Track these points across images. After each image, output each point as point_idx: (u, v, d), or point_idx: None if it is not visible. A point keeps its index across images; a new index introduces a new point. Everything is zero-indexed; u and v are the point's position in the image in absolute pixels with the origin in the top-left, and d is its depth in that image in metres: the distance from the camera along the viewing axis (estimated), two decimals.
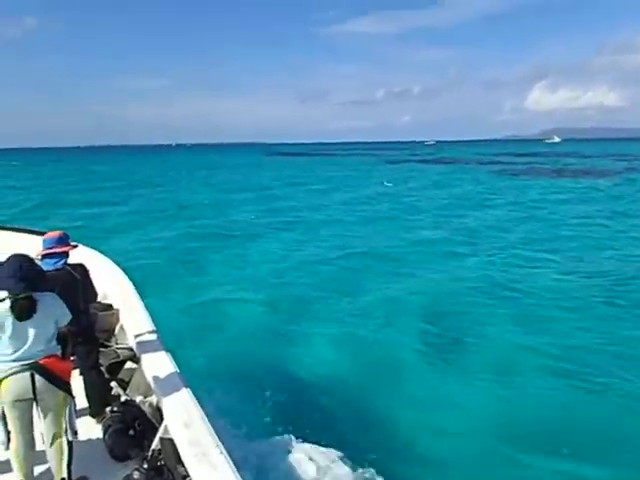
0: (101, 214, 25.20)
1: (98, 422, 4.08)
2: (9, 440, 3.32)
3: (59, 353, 3.37)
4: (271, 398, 6.41)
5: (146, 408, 4.12)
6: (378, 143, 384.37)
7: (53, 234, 4.13)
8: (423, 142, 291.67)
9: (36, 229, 7.18)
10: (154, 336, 4.72)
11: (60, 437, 3.34)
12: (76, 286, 4.06)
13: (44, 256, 4.01)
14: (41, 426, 3.36)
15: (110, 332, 5.22)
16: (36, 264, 3.39)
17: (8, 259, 3.28)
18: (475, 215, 24.47)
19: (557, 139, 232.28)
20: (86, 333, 4.23)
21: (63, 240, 4.11)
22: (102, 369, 4.54)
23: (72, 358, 3.92)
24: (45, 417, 3.32)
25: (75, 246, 4.27)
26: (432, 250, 16.40)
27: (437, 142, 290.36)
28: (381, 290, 11.98)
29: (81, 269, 4.18)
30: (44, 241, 4.10)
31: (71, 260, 4.16)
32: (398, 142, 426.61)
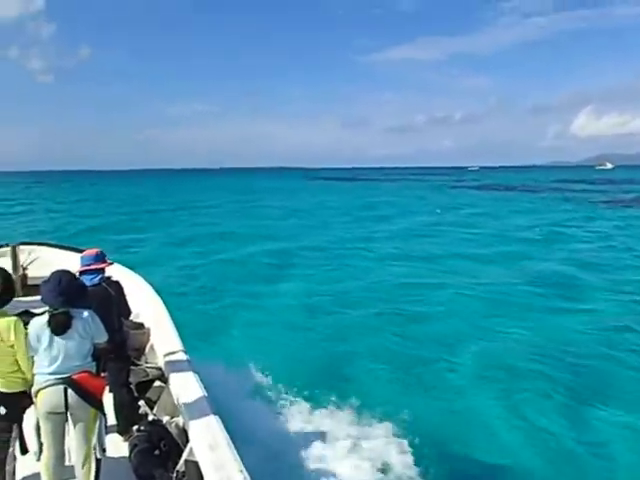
0: (145, 238, 24.79)
1: (125, 440, 4.12)
2: (41, 451, 3.42)
3: (93, 370, 3.44)
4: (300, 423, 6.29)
5: (172, 429, 4.12)
6: (419, 168, 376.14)
7: (90, 251, 4.28)
8: (466, 168, 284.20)
9: (76, 247, 7.43)
10: (183, 356, 4.76)
11: (89, 453, 3.38)
12: (111, 302, 4.17)
13: (82, 272, 4.14)
14: (71, 440, 3.41)
15: (140, 351, 5.28)
16: (77, 280, 3.51)
17: (51, 274, 3.42)
18: (553, 253, 20.44)
19: (610, 165, 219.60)
20: (119, 350, 4.30)
21: (100, 257, 4.26)
22: (132, 387, 4.60)
23: (103, 375, 4.00)
24: (75, 432, 3.37)
25: (111, 263, 4.41)
26: (524, 302, 13.16)
27: (481, 168, 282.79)
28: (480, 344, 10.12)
29: (116, 286, 4.30)
30: (82, 258, 4.25)
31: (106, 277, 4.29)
32: (439, 167, 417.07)
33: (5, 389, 3.40)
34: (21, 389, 3.45)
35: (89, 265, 4.20)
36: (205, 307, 12.55)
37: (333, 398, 6.91)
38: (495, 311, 12.25)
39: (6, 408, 3.42)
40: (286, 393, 6.96)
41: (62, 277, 3.36)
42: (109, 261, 4.37)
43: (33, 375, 3.42)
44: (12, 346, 3.34)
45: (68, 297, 3.30)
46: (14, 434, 3.46)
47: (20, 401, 3.46)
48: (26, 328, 3.89)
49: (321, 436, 5.89)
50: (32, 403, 3.46)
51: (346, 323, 11.39)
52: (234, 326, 10.98)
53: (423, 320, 11.63)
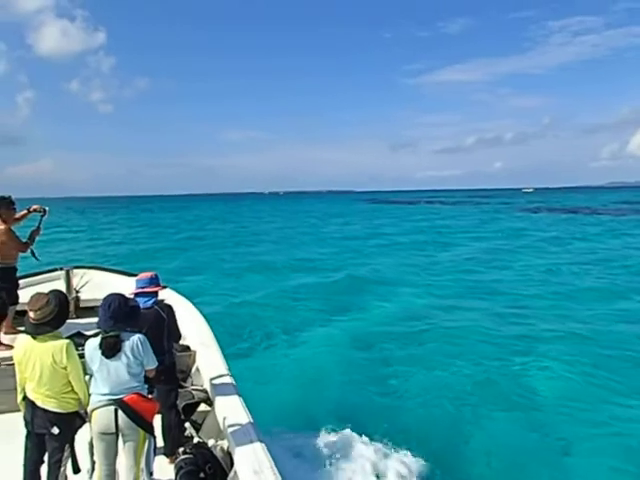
0: (195, 265, 23.65)
1: (171, 462, 4.13)
2: (93, 470, 3.49)
3: (145, 392, 3.50)
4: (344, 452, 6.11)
5: (217, 452, 4.12)
6: (470, 190, 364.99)
7: (145, 275, 4.38)
8: (520, 189, 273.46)
9: (127, 271, 7.66)
10: (228, 380, 4.78)
11: (138, 475, 3.43)
12: (162, 325, 4.26)
13: (136, 295, 4.25)
14: (121, 461, 3.47)
15: (186, 373, 5.34)
16: (129, 303, 3.58)
17: (104, 298, 3.53)
18: None
19: None
20: (168, 372, 4.36)
21: (154, 281, 4.36)
22: (178, 409, 4.63)
23: (150, 396, 4.05)
24: (125, 453, 3.43)
25: (164, 287, 4.51)
26: None
27: (536, 189, 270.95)
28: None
29: (168, 309, 4.38)
30: (137, 281, 4.37)
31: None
32: (491, 189, 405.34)
33: (59, 409, 3.47)
34: (74, 410, 3.51)
35: (143, 288, 4.30)
36: (254, 338, 11.98)
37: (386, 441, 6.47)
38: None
39: (59, 428, 3.48)
40: (335, 427, 6.65)
41: (113, 301, 3.45)
42: (163, 285, 4.46)
43: (88, 395, 3.52)
44: (65, 368, 3.41)
45: (117, 320, 3.39)
46: (66, 454, 3.52)
47: (73, 422, 3.53)
48: (78, 349, 4.01)
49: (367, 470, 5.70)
50: (84, 423, 3.54)
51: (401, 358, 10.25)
52: (278, 357, 10.56)
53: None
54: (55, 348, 3.41)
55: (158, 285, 4.38)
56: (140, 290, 4.28)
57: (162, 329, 4.24)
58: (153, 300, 4.32)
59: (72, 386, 3.47)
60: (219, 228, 48.61)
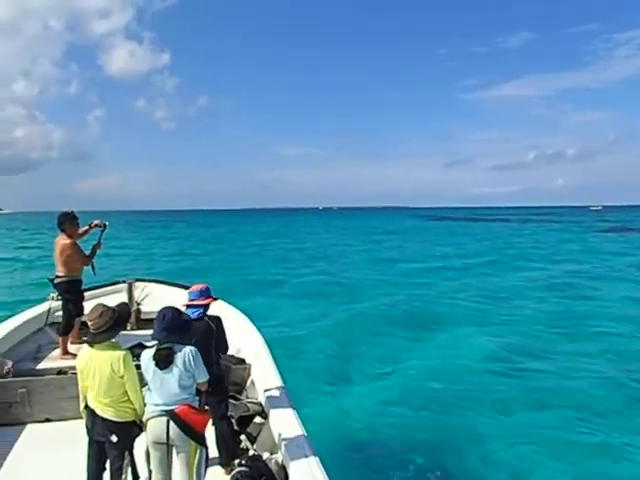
0: (256, 280, 23.16)
1: (226, 473, 4.15)
2: (150, 478, 3.56)
3: (196, 404, 3.54)
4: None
5: (272, 465, 4.09)
6: (529, 208, 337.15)
7: (196, 287, 4.43)
8: (587, 207, 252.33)
9: (185, 284, 7.83)
10: (282, 393, 4.78)
11: None
12: (211, 336, 4.30)
13: (187, 307, 4.32)
14: (175, 471, 3.53)
15: (241, 385, 5.38)
16: (183, 316, 3.66)
17: (160, 310, 3.63)
18: None
19: None
20: (216, 383, 4.41)
21: (204, 293, 4.40)
22: (232, 421, 4.66)
23: (206, 408, 4.10)
24: (178, 463, 3.48)
25: (216, 299, 4.54)
26: None
27: (604, 207, 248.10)
28: None
29: (217, 321, 4.41)
30: (189, 293, 4.44)
31: (210, 313, 4.45)
32: (554, 207, 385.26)
33: (117, 418, 3.56)
34: (131, 419, 3.60)
35: (194, 300, 4.36)
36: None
37: None
38: None
39: (117, 437, 3.57)
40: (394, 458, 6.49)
41: (167, 313, 3.53)
42: (214, 297, 4.50)
43: (144, 405, 3.61)
44: (122, 377, 3.51)
45: (170, 332, 3.47)
46: (126, 461, 3.60)
47: (130, 431, 3.61)
48: (138, 360, 4.13)
49: None
50: (141, 432, 3.62)
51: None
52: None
53: None
54: (113, 358, 3.51)
55: (209, 297, 4.42)
56: (191, 302, 4.34)
57: (210, 340, 4.26)
58: (201, 311, 4.35)
59: (129, 396, 3.56)
60: (276, 245, 46.85)
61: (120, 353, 3.55)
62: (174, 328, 3.49)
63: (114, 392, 3.53)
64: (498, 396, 8.92)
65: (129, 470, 3.65)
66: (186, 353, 3.46)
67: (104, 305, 3.67)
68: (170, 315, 3.52)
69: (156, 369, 3.42)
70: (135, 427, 3.62)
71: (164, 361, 3.40)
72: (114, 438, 3.58)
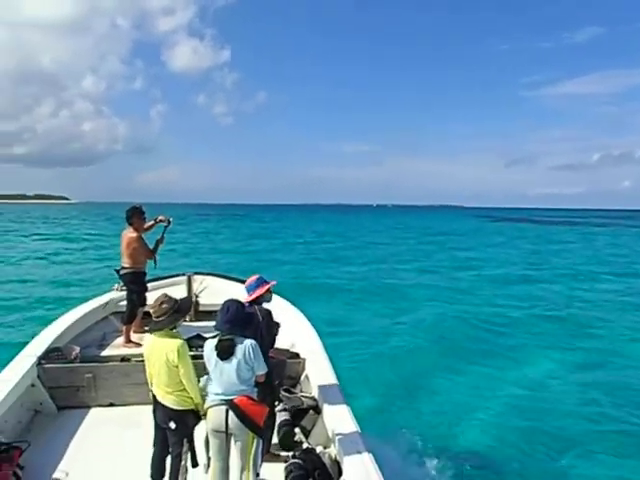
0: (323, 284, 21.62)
1: (272, 460, 4.21)
2: (209, 465, 3.68)
3: (254, 396, 3.63)
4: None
5: (326, 459, 4.14)
6: (595, 211, 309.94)
7: (251, 279, 4.42)
8: None
9: (239, 277, 7.93)
10: (336, 389, 4.83)
11: (247, 475, 3.56)
12: (257, 327, 4.32)
13: (250, 302, 4.31)
14: (232, 459, 3.64)
15: (296, 380, 5.46)
16: (244, 309, 3.74)
17: (223, 303, 3.73)
18: None
19: None
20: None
21: (260, 282, 4.37)
22: (287, 414, 4.75)
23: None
24: (236, 452, 3.59)
25: (272, 283, 4.52)
26: None
27: None
28: None
29: (266, 314, 4.39)
30: (247, 287, 4.44)
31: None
32: (621, 210, 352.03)
33: (175, 406, 3.69)
34: (189, 407, 3.70)
35: (253, 293, 4.32)
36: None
37: None
38: None
39: (175, 424, 3.71)
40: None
41: (231, 306, 3.63)
42: (269, 281, 4.45)
43: (203, 395, 3.74)
44: (176, 366, 3.62)
45: (233, 325, 3.56)
46: (184, 448, 3.73)
47: (188, 419, 3.72)
48: (198, 350, 4.26)
49: None
50: (199, 421, 3.74)
51: None
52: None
53: None
54: (169, 347, 3.64)
55: (265, 283, 4.38)
56: (251, 297, 4.31)
57: (256, 331, 4.24)
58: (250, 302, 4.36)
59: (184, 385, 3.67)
60: (334, 243, 44.54)
61: (175, 343, 3.66)
62: (237, 321, 3.59)
63: (172, 380, 3.66)
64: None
65: (189, 457, 3.78)
66: (247, 346, 3.56)
67: (166, 295, 3.82)
68: (234, 308, 3.62)
69: (217, 359, 3.53)
70: (193, 416, 3.73)
71: (225, 352, 3.51)
72: (172, 425, 3.72)
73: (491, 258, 33.29)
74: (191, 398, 3.69)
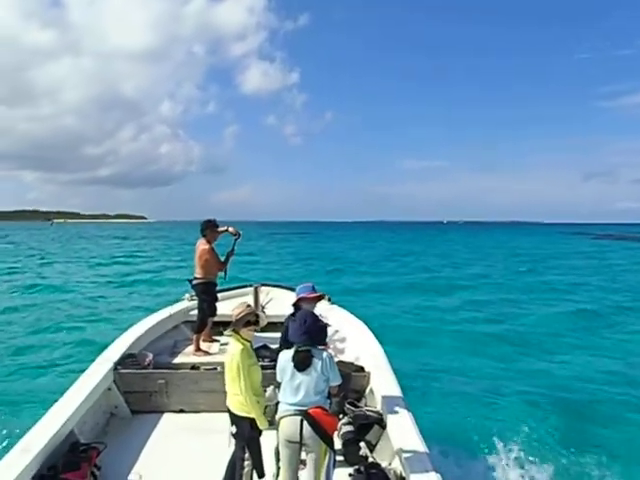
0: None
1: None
2: (278, 475, 3.72)
3: (327, 407, 3.63)
4: None
5: (391, 476, 4.07)
6: None
7: (307, 284, 4.55)
8: None
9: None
10: (402, 403, 4.74)
11: None
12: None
13: (298, 300, 4.43)
14: (303, 470, 3.64)
15: (360, 393, 5.39)
16: (320, 321, 3.78)
17: (299, 314, 3.82)
18: None
19: None
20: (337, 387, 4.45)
21: (308, 289, 4.48)
22: (351, 427, 4.71)
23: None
24: (307, 463, 3.57)
25: (322, 295, 4.66)
26: None
27: None
28: None
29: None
30: (300, 289, 4.53)
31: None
32: None
33: (235, 410, 3.75)
34: (246, 415, 3.71)
35: (308, 295, 4.43)
36: None
37: None
38: None
39: (236, 429, 3.77)
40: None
41: (308, 317, 3.68)
42: (318, 292, 4.55)
43: (268, 405, 3.77)
44: (237, 370, 3.68)
45: (310, 336, 3.59)
46: (246, 455, 3.77)
47: (244, 426, 3.73)
48: (264, 361, 4.31)
49: None
50: (256, 433, 3.74)
51: None
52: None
53: None
54: (235, 351, 3.73)
55: (314, 292, 4.48)
56: (304, 295, 4.41)
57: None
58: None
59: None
60: (413, 265, 37.75)
61: (239, 348, 3.73)
62: (314, 333, 3.62)
63: (235, 385, 3.72)
64: None
65: (249, 466, 3.78)
66: (323, 357, 3.58)
67: (244, 302, 3.96)
68: (311, 320, 3.67)
69: (294, 370, 3.56)
70: (249, 425, 3.72)
71: (303, 363, 3.53)
72: (233, 429, 3.80)
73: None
74: (245, 405, 3.70)
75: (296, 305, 4.42)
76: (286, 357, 3.62)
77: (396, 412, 4.56)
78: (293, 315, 4.22)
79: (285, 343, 3.97)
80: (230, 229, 6.96)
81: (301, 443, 3.50)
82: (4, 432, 6.58)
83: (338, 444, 4.40)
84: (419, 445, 4.00)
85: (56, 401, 4.69)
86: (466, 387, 9.73)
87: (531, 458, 6.30)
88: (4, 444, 5.97)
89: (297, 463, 3.62)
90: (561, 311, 18.75)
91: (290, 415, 3.52)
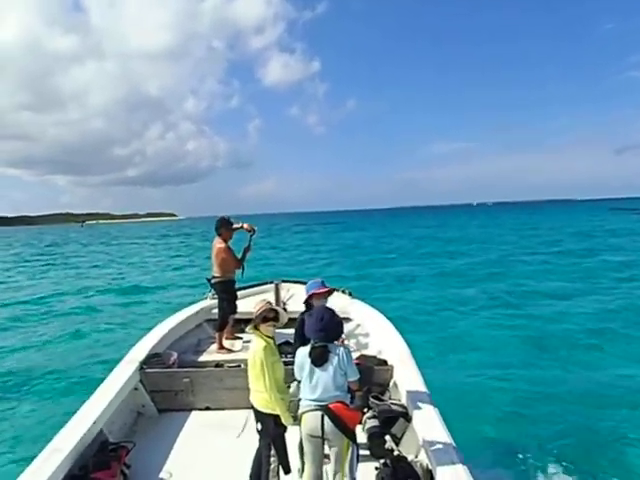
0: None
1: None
2: (303, 470, 3.73)
3: (347, 402, 3.64)
4: None
5: (418, 468, 4.06)
6: None
7: (316, 280, 4.64)
8: None
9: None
10: (426, 396, 4.72)
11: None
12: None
13: (313, 296, 4.49)
14: (328, 465, 3.65)
15: (384, 387, 5.38)
16: (337, 316, 3.78)
17: (315, 310, 3.84)
18: None
19: None
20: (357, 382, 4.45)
21: (316, 285, 4.55)
22: (376, 421, 4.70)
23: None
24: (330, 458, 3.61)
25: (332, 290, 4.70)
26: None
27: None
28: None
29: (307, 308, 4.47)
30: (310, 285, 4.60)
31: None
32: None
33: (259, 407, 3.78)
34: (270, 411, 3.74)
35: (318, 289, 4.50)
36: None
37: None
38: None
39: (261, 426, 3.81)
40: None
41: (325, 314, 3.69)
42: (328, 287, 4.62)
43: (292, 400, 3.78)
44: (261, 366, 3.70)
45: (327, 332, 3.61)
46: (272, 451, 3.78)
47: (269, 423, 3.76)
48: (287, 357, 4.31)
49: None
50: (282, 428, 3.76)
51: None
52: None
53: None
54: (257, 349, 3.76)
55: (324, 287, 4.55)
56: (315, 291, 4.47)
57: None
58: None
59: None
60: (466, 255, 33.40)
61: (261, 344, 3.76)
62: (331, 329, 3.65)
63: (259, 382, 3.74)
64: None
65: (277, 462, 3.80)
66: (340, 353, 3.60)
67: (263, 299, 3.98)
68: (328, 316, 3.68)
69: (312, 366, 3.59)
70: (273, 422, 3.74)
71: (319, 358, 3.56)
72: (258, 426, 3.83)
73: None
74: (268, 401, 3.72)
75: (308, 302, 4.46)
76: (303, 353, 3.65)
77: (421, 405, 4.54)
78: (304, 312, 4.23)
79: (301, 339, 3.98)
80: (245, 226, 6.96)
81: (323, 438, 3.53)
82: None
83: (362, 438, 4.43)
84: (445, 437, 3.98)
85: (84, 402, 4.78)
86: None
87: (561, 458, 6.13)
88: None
89: (321, 458, 3.64)
90: None
91: (311, 410, 3.55)
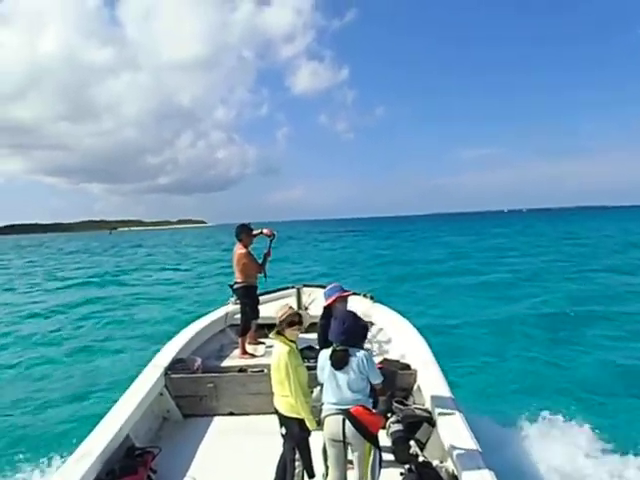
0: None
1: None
2: (327, 474, 3.75)
3: (369, 405, 3.63)
4: None
5: (443, 474, 4.03)
6: None
7: (330, 286, 4.59)
8: None
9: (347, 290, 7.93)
10: (450, 401, 4.67)
11: None
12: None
13: (334, 301, 4.42)
14: (352, 470, 3.64)
15: (408, 391, 5.34)
16: (360, 322, 3.78)
17: (340, 314, 3.86)
18: None
19: None
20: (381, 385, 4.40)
21: (337, 289, 4.49)
22: (400, 425, 4.66)
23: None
24: (354, 462, 3.60)
25: (352, 293, 4.72)
26: None
27: None
28: None
29: (327, 312, 4.40)
30: (329, 290, 4.54)
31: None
32: None
33: (284, 412, 3.78)
34: (294, 415, 3.73)
35: (330, 297, 4.44)
36: None
37: None
38: None
39: (285, 430, 3.80)
40: None
41: (347, 318, 3.71)
42: (348, 291, 4.58)
43: (316, 405, 3.78)
44: (285, 371, 3.70)
45: (349, 337, 3.62)
46: (297, 455, 3.78)
47: (292, 426, 3.75)
48: (309, 362, 4.30)
49: None
50: (306, 432, 3.74)
51: None
52: None
53: None
54: (281, 353, 3.76)
55: (342, 291, 4.49)
56: (338, 295, 4.40)
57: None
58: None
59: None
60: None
61: (285, 349, 3.76)
62: (353, 333, 3.65)
63: (281, 386, 3.75)
64: None
65: (300, 466, 3.79)
66: (360, 357, 3.59)
67: (286, 304, 3.99)
68: (351, 320, 3.69)
69: (332, 369, 3.60)
70: (298, 426, 3.74)
71: (340, 362, 3.57)
72: (283, 431, 3.83)
73: None
74: (293, 406, 3.72)
75: (329, 307, 4.40)
76: (325, 355, 3.68)
77: (445, 409, 4.49)
78: (324, 317, 4.22)
79: (324, 343, 3.96)
80: (265, 231, 6.99)
81: (345, 442, 3.53)
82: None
83: (385, 442, 4.40)
84: (470, 442, 3.93)
85: (110, 408, 4.84)
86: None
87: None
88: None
89: (344, 462, 3.63)
90: None
91: (333, 414, 3.55)
